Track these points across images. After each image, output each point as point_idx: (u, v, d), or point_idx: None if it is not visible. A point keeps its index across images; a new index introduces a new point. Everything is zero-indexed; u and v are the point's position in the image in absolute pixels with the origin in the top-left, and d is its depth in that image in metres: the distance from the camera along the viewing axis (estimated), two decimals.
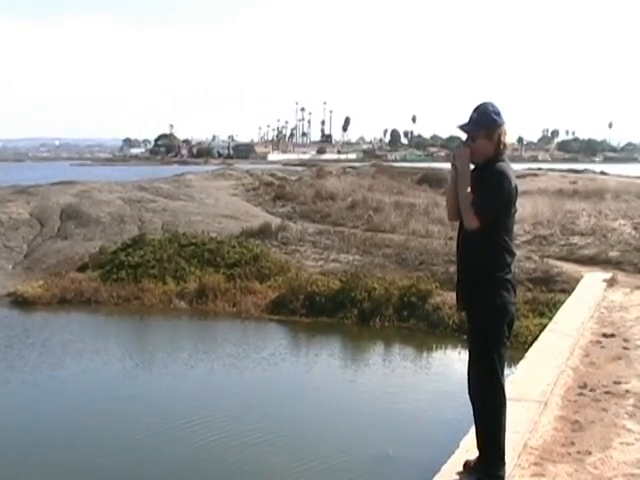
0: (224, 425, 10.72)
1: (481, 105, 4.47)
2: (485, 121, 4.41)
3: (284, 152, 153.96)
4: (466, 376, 4.57)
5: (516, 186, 4.44)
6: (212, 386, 12.96)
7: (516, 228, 4.76)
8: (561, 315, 9.88)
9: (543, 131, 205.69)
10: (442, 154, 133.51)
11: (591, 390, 6.49)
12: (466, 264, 4.54)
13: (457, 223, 4.60)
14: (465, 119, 4.52)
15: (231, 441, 10.14)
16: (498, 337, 4.40)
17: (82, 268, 20.76)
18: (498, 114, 4.42)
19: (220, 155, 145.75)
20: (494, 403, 4.39)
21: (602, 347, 8.07)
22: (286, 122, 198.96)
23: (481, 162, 4.43)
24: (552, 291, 16.25)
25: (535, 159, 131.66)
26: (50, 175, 47.44)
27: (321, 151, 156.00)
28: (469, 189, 4.37)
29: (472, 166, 4.47)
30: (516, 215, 4.58)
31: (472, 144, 4.43)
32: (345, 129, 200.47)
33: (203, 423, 10.74)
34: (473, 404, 4.49)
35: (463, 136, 4.52)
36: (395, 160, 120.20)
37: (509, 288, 4.43)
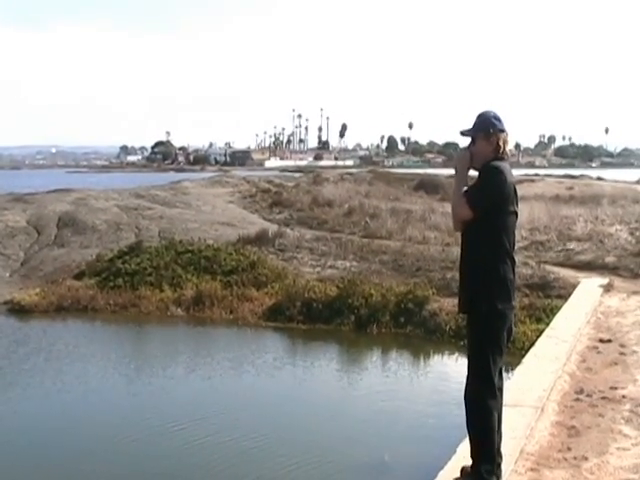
0: (222, 430, 10.73)
1: (483, 111, 4.63)
2: (484, 125, 4.55)
3: (281, 159, 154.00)
4: (464, 381, 4.57)
5: (514, 185, 4.49)
6: (209, 392, 12.95)
7: None
8: (558, 321, 9.89)
9: (540, 137, 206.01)
10: (439, 160, 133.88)
11: (588, 395, 6.49)
12: (467, 267, 4.58)
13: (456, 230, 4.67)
14: (465, 126, 4.68)
15: (229, 445, 10.16)
16: (496, 342, 4.42)
17: (79, 276, 20.74)
18: (498, 119, 4.56)
19: (217, 162, 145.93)
20: (485, 406, 4.40)
21: (599, 352, 8.08)
22: (283, 129, 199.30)
23: (481, 165, 4.51)
24: (549, 297, 16.25)
25: (532, 165, 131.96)
26: (46, 183, 47.43)
27: (318, 158, 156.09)
28: (465, 188, 4.48)
29: (476, 173, 4.54)
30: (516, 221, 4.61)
31: (473, 147, 4.54)
32: (342, 135, 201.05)
33: (200, 428, 10.74)
34: (465, 407, 4.50)
35: (462, 142, 4.64)
36: (392, 166, 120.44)
37: (509, 293, 4.45)
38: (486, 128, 4.51)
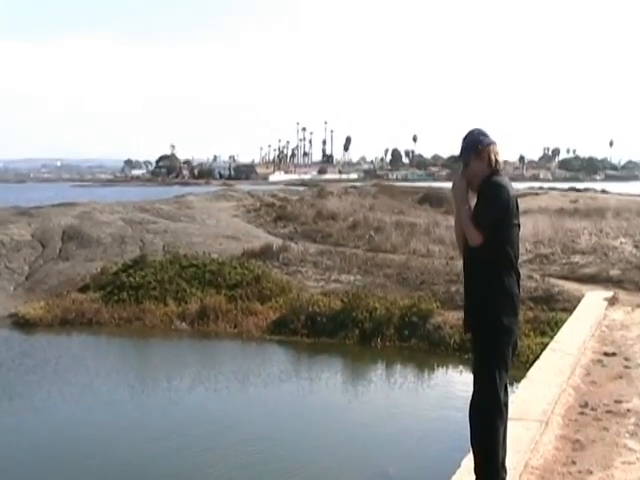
0: (222, 440, 10.75)
1: (467, 133, 4.58)
2: (472, 144, 4.51)
3: (286, 172, 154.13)
4: (468, 394, 4.55)
5: (515, 197, 4.48)
6: (213, 406, 12.97)
7: None
8: (562, 334, 9.86)
9: (544, 149, 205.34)
10: (443, 173, 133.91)
11: (592, 409, 6.47)
12: (472, 282, 4.54)
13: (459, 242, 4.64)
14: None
15: (229, 455, 10.20)
16: (502, 357, 4.38)
17: (83, 289, 20.79)
18: (484, 134, 4.52)
19: (221, 176, 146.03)
20: (490, 422, 4.37)
21: (603, 366, 8.06)
22: (287, 142, 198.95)
23: (479, 184, 4.49)
24: (553, 310, 16.24)
25: (536, 178, 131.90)
26: (51, 196, 47.59)
27: (322, 171, 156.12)
28: (468, 207, 4.43)
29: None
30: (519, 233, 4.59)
31: (467, 170, 4.50)
32: (346, 149, 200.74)
33: (200, 438, 10.76)
34: (470, 422, 4.47)
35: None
36: (396, 179, 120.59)
37: (515, 308, 4.44)
38: (475, 147, 4.47)
